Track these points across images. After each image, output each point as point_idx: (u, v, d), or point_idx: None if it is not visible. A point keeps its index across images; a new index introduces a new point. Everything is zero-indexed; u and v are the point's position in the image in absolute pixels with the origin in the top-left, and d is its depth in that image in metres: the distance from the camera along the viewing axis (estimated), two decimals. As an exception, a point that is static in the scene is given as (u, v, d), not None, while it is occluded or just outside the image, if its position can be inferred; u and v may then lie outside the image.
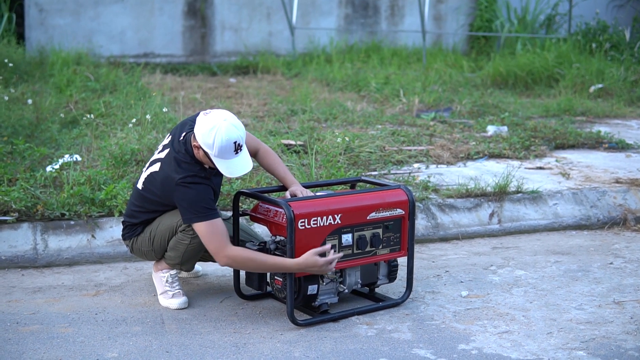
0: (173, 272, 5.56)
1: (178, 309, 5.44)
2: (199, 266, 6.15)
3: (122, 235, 5.66)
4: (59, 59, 13.19)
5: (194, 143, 5.15)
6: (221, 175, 5.41)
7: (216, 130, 5.00)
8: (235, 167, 5.12)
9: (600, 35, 15.62)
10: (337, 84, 13.76)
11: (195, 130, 5.10)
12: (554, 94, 13.18)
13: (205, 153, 5.09)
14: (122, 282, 5.99)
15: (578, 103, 12.11)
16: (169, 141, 5.39)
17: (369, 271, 5.51)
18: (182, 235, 5.30)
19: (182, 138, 5.30)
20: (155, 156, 5.44)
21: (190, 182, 5.12)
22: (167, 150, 5.34)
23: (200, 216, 5.07)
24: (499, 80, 14.23)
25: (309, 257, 5.02)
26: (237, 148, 5.07)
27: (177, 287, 5.54)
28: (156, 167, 5.34)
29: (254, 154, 5.60)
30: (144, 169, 5.48)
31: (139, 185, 5.46)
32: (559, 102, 12.07)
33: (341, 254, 5.16)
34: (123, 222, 5.65)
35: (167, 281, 5.54)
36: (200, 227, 5.08)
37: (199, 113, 5.23)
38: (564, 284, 5.99)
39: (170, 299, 5.49)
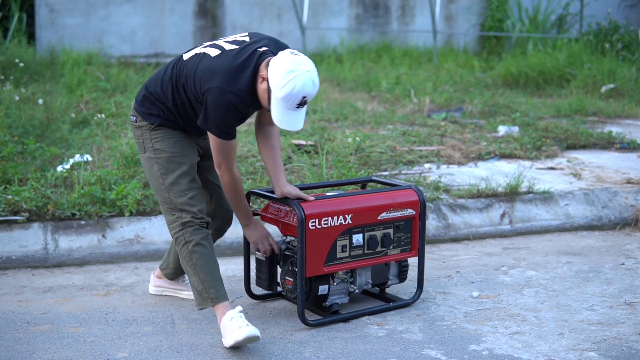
0: (236, 310, 4.85)
1: (250, 337, 4.72)
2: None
3: (137, 109, 5.16)
4: (70, 59, 13.21)
5: (262, 73, 4.73)
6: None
7: (295, 76, 4.62)
8: (288, 120, 4.73)
9: (612, 35, 15.58)
10: (347, 84, 13.76)
11: (274, 63, 4.69)
12: (565, 94, 13.15)
13: (269, 89, 4.71)
14: (132, 282, 5.99)
15: (589, 103, 12.08)
16: (242, 41, 4.93)
17: (379, 271, 5.50)
18: (172, 224, 5.00)
19: (260, 48, 4.85)
20: (221, 42, 4.99)
21: (232, 95, 4.72)
22: (235, 47, 4.87)
23: (221, 133, 4.77)
24: (510, 80, 14.21)
25: (263, 230, 5.22)
26: (302, 103, 4.69)
27: (244, 321, 4.82)
28: (214, 52, 4.89)
29: (262, 125, 5.20)
30: (199, 46, 5.06)
31: (185, 56, 5.04)
32: (570, 102, 12.03)
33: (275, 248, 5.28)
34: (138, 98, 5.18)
35: (232, 318, 4.82)
36: (216, 141, 4.80)
37: (272, 38, 4.98)
38: (576, 285, 5.97)
39: (240, 330, 4.73)
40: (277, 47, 4.90)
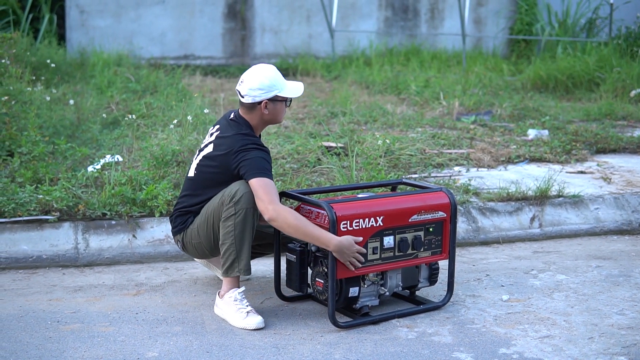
0: (240, 290, 5.29)
1: (257, 329, 5.14)
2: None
3: (173, 230, 5.61)
4: (100, 60, 13.30)
5: (259, 103, 5.34)
6: None
7: (260, 72, 5.33)
8: (296, 87, 5.46)
9: (642, 39, 15.50)
10: (376, 86, 13.75)
11: (247, 93, 5.31)
12: (595, 98, 13.08)
13: (273, 99, 5.35)
14: (162, 282, 6.01)
15: (619, 107, 12.01)
16: (216, 130, 5.50)
17: (410, 274, 5.50)
18: (227, 209, 5.19)
19: (231, 118, 5.47)
20: (203, 145, 5.53)
21: (254, 146, 5.24)
22: (216, 134, 5.45)
23: (260, 173, 5.12)
24: (539, 84, 14.15)
25: (348, 238, 5.00)
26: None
27: (248, 305, 5.26)
28: (209, 149, 5.42)
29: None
30: (193, 160, 5.58)
31: (190, 174, 5.53)
32: (600, 106, 11.97)
33: (364, 252, 5.11)
34: (171, 216, 5.62)
35: (235, 299, 5.25)
36: (257, 182, 5.10)
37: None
38: (606, 289, 5.95)
39: (247, 319, 5.17)
40: (228, 113, 5.61)
